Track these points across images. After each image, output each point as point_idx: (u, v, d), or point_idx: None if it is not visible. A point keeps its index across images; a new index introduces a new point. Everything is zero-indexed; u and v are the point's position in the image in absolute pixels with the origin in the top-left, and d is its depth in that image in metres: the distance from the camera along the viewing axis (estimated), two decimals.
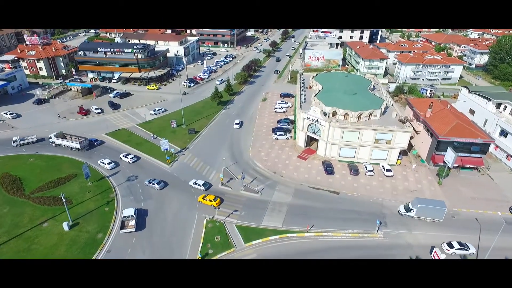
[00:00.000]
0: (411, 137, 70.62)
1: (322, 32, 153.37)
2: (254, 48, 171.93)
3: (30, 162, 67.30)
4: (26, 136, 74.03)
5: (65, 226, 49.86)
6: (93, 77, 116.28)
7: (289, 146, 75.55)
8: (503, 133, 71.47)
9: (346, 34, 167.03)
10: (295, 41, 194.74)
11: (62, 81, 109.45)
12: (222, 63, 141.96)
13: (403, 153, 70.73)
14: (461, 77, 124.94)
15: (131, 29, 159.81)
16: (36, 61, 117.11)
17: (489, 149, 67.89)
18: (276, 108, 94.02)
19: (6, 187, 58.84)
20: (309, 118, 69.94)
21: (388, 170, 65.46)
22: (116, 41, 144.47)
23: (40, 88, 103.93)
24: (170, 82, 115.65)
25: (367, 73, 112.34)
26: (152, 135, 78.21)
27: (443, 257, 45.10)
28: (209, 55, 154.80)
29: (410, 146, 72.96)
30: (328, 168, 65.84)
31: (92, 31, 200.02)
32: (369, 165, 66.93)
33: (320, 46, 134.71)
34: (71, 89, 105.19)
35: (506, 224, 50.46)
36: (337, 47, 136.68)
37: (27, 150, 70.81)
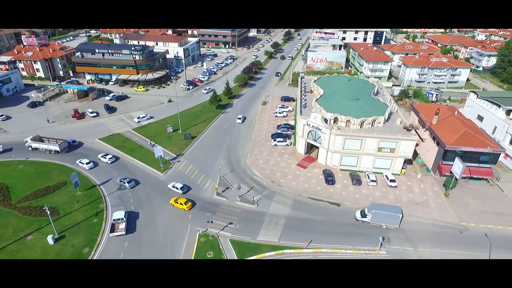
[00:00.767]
0: (416, 145, 67.31)
1: (325, 33, 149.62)
2: (255, 50, 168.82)
3: (20, 169, 64.91)
4: None
5: (49, 239, 47.32)
6: (91, 79, 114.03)
7: (289, 153, 72.51)
8: None
9: (349, 35, 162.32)
10: (300, 39, 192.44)
11: (58, 83, 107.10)
12: (223, 64, 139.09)
13: (407, 161, 67.37)
14: (468, 80, 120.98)
15: (131, 30, 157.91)
16: (33, 62, 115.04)
17: (499, 158, 64.41)
18: (276, 113, 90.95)
19: None
20: (309, 125, 66.84)
21: (392, 180, 62.22)
22: (114, 42, 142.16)
23: (35, 91, 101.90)
24: (168, 85, 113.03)
25: (371, 76, 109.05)
26: (149, 142, 75.31)
27: None
28: (210, 57, 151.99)
29: (415, 154, 69.57)
30: (329, 177, 62.74)
31: (93, 31, 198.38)
32: (372, 175, 63.75)
33: (322, 48, 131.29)
34: (67, 92, 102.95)
35: None
36: (340, 49, 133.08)
37: (17, 156, 68.45)
